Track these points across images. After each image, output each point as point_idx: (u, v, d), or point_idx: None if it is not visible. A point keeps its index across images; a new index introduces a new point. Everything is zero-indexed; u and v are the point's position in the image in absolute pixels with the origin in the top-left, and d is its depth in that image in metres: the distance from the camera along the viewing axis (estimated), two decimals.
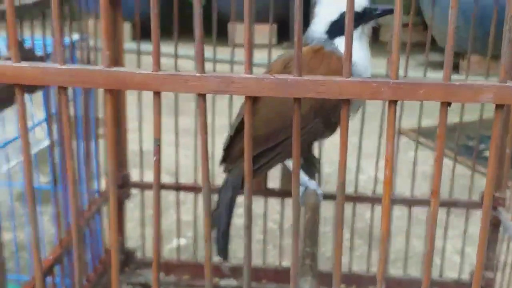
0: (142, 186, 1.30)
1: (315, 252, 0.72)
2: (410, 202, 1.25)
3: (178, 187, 1.28)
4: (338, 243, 0.47)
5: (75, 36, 1.09)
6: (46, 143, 0.98)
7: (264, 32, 3.36)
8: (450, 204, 1.22)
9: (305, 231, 0.76)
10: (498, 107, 0.42)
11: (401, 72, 0.44)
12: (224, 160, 1.03)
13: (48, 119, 0.98)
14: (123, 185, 1.28)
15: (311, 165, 1.04)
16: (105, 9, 0.43)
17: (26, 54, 0.85)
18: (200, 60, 0.44)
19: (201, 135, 0.45)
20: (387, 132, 0.44)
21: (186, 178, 1.31)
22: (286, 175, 1.23)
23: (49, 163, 0.99)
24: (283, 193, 1.22)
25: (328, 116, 0.93)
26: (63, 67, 0.44)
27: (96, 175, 1.21)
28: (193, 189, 1.28)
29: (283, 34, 3.96)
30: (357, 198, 1.23)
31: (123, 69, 0.44)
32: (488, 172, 0.46)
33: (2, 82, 0.44)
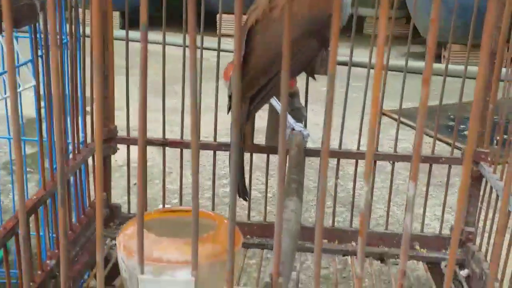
0: (129, 142, 1.29)
1: (301, 180, 0.72)
2: (393, 158, 1.25)
3: (165, 143, 1.27)
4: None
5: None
6: (31, 84, 0.97)
7: None
8: (432, 160, 1.22)
9: (292, 162, 0.75)
10: None
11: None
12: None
13: (35, 59, 0.96)
14: (109, 139, 1.27)
15: (297, 112, 1.04)
16: None
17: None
18: None
19: (189, 19, 0.44)
20: (380, 13, 0.43)
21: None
22: (271, 132, 1.23)
23: (35, 103, 0.98)
24: (268, 149, 1.22)
25: (322, 33, 0.94)
26: None
27: (81, 126, 1.20)
28: (180, 143, 1.27)
29: None
30: (341, 154, 1.23)
31: None
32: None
33: None
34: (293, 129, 0.98)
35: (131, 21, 1.21)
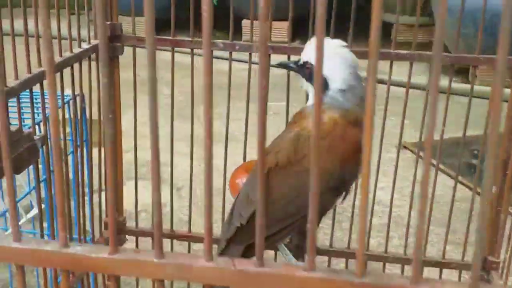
0: (137, 234, 1.29)
1: None
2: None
3: (172, 236, 1.27)
4: None
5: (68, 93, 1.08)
6: (34, 212, 0.98)
7: (280, 29, 3.29)
8: (443, 265, 1.19)
9: None
10: None
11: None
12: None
13: (37, 186, 0.97)
14: (118, 232, 1.27)
15: (302, 244, 1.01)
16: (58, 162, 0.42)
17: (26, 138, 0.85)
18: (159, 246, 0.42)
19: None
20: None
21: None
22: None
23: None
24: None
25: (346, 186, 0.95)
26: (21, 246, 0.44)
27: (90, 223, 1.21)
28: (189, 237, 1.27)
29: (296, 31, 3.91)
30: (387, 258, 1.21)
31: (79, 249, 0.43)
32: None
33: None
34: None
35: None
